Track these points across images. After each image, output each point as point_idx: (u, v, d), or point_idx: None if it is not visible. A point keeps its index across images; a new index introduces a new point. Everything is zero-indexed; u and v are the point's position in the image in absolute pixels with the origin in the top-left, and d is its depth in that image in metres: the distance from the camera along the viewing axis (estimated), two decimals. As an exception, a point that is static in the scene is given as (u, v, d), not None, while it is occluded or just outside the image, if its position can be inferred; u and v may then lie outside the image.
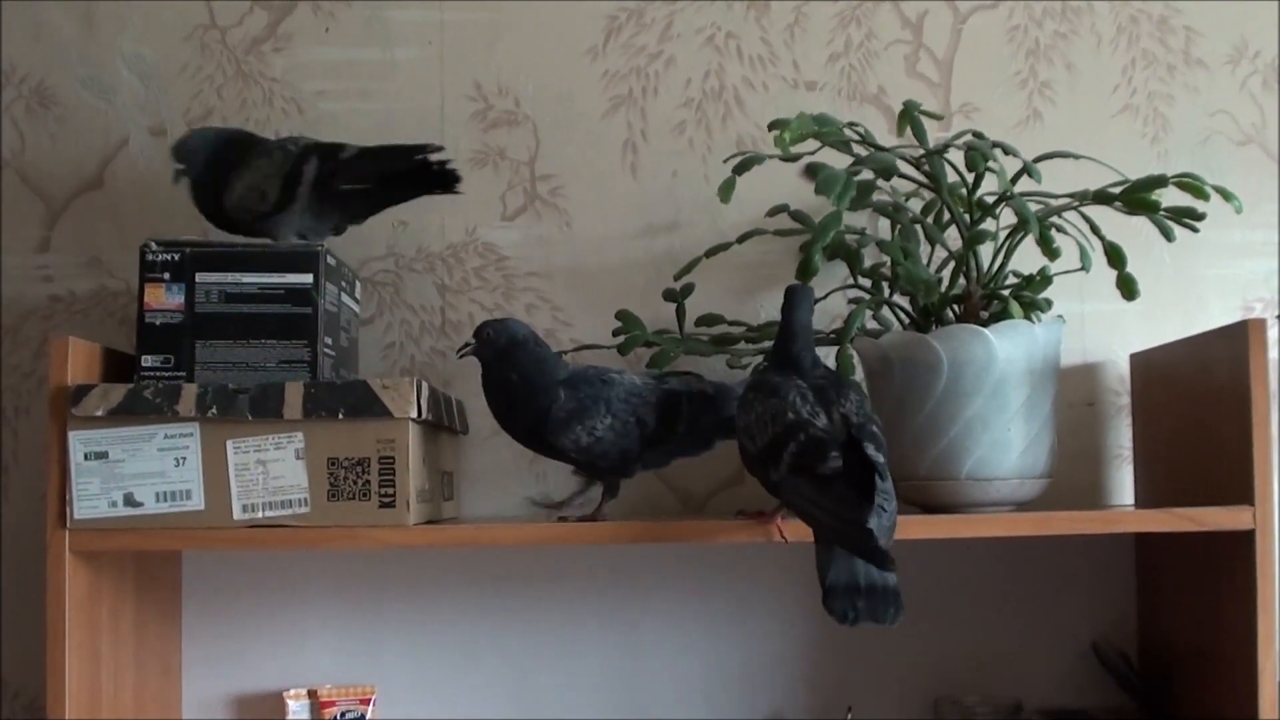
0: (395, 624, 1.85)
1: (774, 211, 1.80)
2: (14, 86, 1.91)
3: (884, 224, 1.81)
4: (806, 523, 1.42)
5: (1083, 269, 1.62)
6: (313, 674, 1.84)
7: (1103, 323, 1.88)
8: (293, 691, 1.80)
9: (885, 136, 1.84)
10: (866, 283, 1.73)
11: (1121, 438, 1.88)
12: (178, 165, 1.67)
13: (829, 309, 1.78)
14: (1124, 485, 1.87)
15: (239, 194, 1.64)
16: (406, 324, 1.89)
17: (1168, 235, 1.57)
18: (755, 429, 1.49)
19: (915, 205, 1.77)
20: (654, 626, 1.85)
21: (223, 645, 1.84)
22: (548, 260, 1.90)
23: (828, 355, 1.76)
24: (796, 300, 1.55)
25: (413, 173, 1.69)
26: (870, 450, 1.42)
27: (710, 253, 1.77)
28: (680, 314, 1.78)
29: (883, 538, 1.37)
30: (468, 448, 1.86)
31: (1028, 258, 1.65)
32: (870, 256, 1.75)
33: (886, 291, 1.71)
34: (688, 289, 1.78)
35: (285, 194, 1.64)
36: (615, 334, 1.77)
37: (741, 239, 1.77)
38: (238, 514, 1.51)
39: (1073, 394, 1.87)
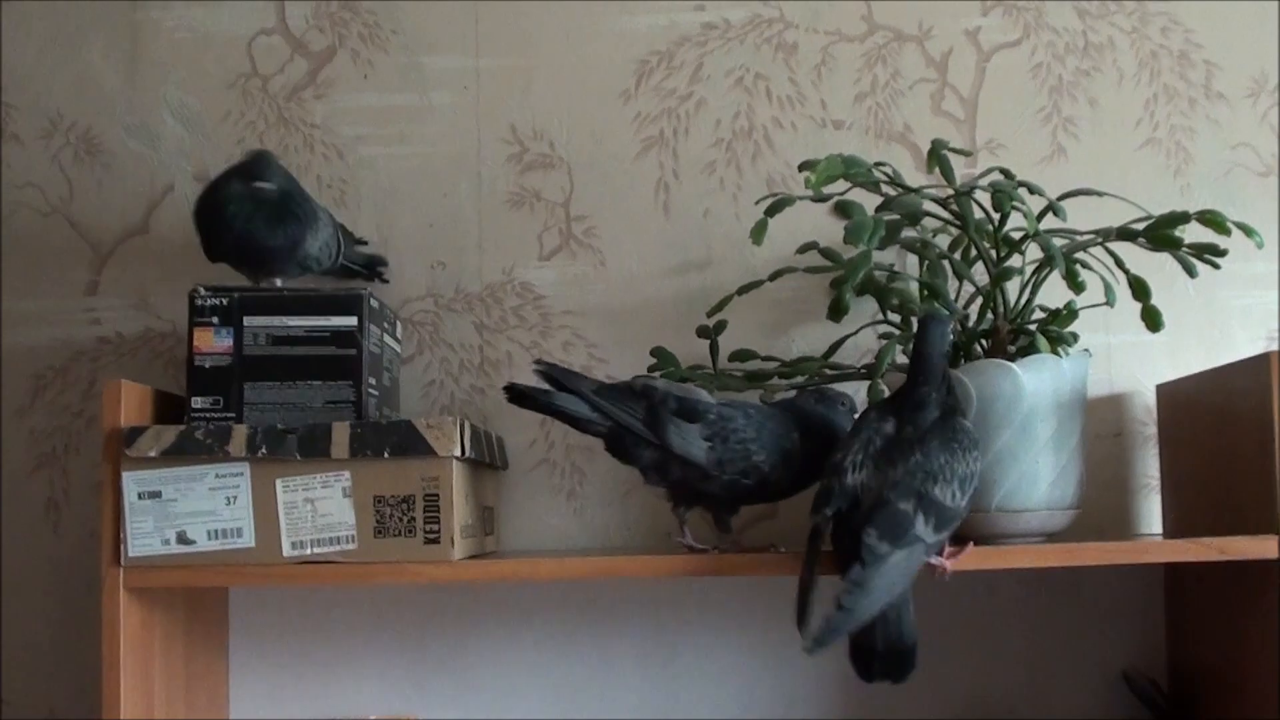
0: (437, 656, 1.88)
1: (804, 249, 1.83)
2: (61, 134, 1.96)
3: (913, 260, 1.84)
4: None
5: (1107, 303, 1.65)
6: (356, 706, 1.87)
7: (1129, 354, 1.90)
8: (338, 723, 1.84)
9: (912, 173, 1.88)
10: (896, 318, 1.76)
11: (1149, 467, 1.90)
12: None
13: (860, 344, 1.82)
14: (1152, 514, 1.89)
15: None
16: (446, 362, 1.93)
17: (1190, 271, 1.59)
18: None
19: (943, 240, 1.80)
20: (692, 656, 1.88)
21: (269, 678, 1.88)
22: (583, 299, 1.93)
23: (858, 390, 1.79)
24: (923, 331, 1.54)
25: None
26: (869, 535, 1.44)
27: (743, 290, 1.80)
28: (714, 350, 1.81)
29: (824, 635, 1.43)
30: (507, 482, 1.90)
31: (1054, 292, 1.68)
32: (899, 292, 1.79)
33: (916, 325, 1.74)
34: (721, 325, 1.82)
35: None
36: (650, 370, 1.80)
37: (773, 276, 1.80)
38: (287, 551, 1.55)
39: (1100, 425, 1.89)
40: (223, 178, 1.67)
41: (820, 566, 1.49)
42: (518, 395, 1.57)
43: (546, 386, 1.57)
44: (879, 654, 1.47)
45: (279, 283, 1.69)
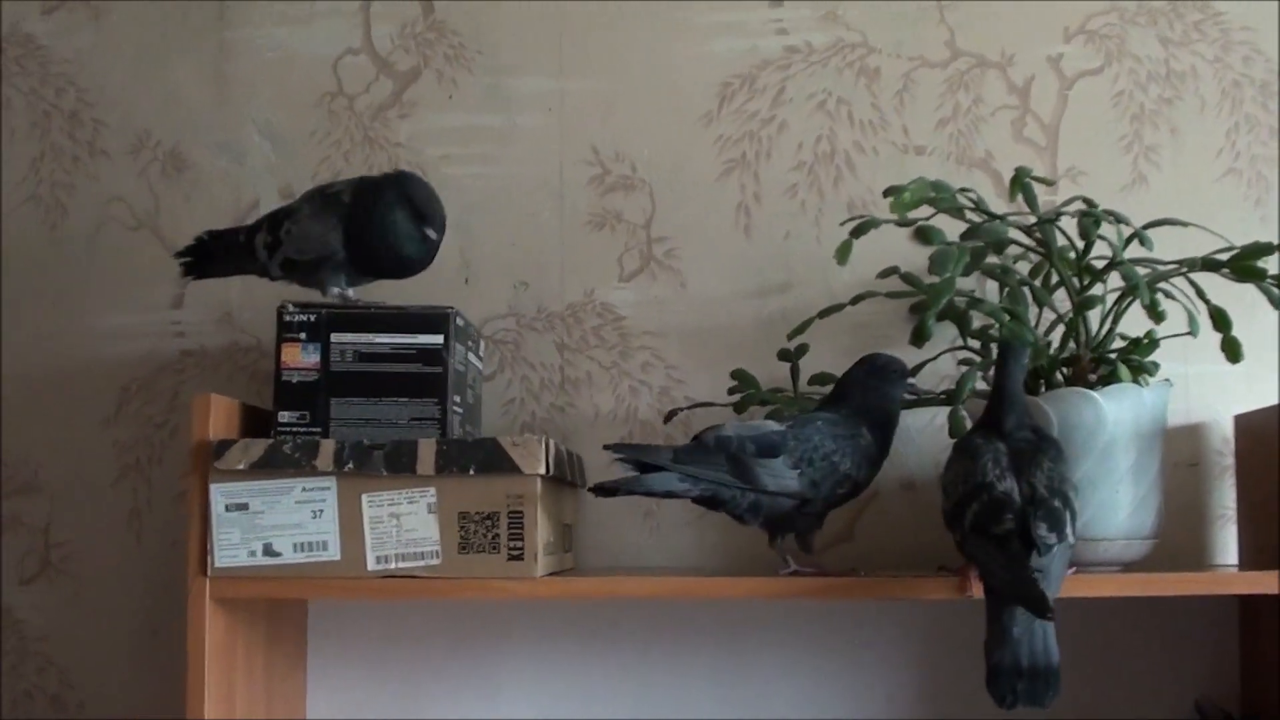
0: (512, 670, 1.90)
1: (885, 273, 1.83)
2: (149, 150, 1.99)
3: (992, 285, 1.85)
4: (985, 579, 1.48)
5: (1190, 334, 1.65)
6: (432, 717, 1.89)
7: (1208, 384, 1.89)
8: (413, 736, 1.85)
9: (992, 199, 1.88)
10: (976, 344, 1.76)
11: (1226, 498, 1.90)
12: None
13: (939, 370, 1.82)
14: (1228, 545, 1.89)
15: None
16: (527, 380, 1.95)
17: (1275, 303, 1.59)
18: (949, 487, 1.56)
19: (1023, 267, 1.80)
20: (765, 678, 1.89)
21: (346, 689, 1.90)
22: (663, 320, 1.95)
23: (939, 415, 1.80)
24: (1004, 359, 1.60)
25: None
26: (1039, 528, 1.46)
27: (824, 313, 1.80)
28: (795, 373, 1.82)
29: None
30: (585, 500, 1.91)
31: (1134, 321, 1.68)
32: (979, 318, 1.79)
33: (996, 353, 1.74)
34: (802, 349, 1.82)
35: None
36: (731, 392, 1.81)
37: (855, 300, 1.80)
38: (372, 565, 1.57)
39: (1178, 454, 1.88)
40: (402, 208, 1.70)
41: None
42: (605, 491, 1.56)
43: (628, 474, 1.56)
44: (1024, 674, 1.43)
45: (352, 293, 1.71)
